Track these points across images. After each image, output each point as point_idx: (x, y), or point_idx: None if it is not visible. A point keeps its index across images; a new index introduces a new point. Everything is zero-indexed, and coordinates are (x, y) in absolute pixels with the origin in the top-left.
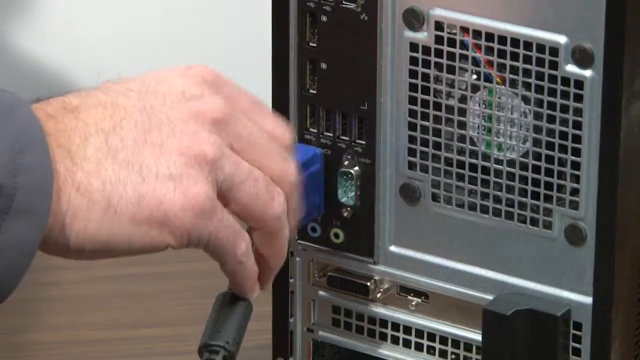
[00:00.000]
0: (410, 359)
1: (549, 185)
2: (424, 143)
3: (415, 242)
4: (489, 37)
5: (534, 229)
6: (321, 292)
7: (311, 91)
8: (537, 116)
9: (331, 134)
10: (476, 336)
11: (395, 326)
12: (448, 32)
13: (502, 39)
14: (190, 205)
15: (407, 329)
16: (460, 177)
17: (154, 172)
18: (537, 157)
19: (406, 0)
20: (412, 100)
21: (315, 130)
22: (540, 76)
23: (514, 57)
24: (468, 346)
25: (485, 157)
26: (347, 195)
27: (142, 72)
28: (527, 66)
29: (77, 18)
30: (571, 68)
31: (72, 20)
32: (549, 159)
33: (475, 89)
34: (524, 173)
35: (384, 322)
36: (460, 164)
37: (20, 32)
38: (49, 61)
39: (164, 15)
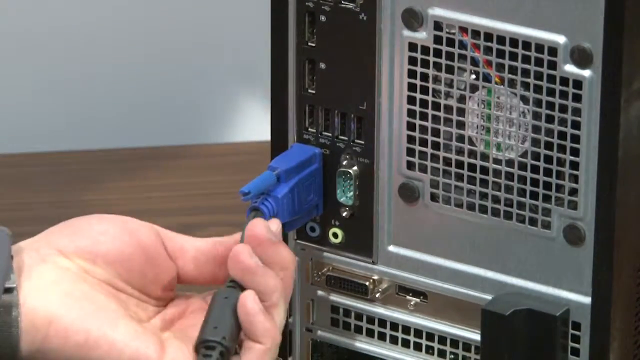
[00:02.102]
0: (409, 359)
1: (547, 185)
2: (423, 143)
3: (414, 241)
4: (488, 37)
5: (532, 229)
6: (320, 292)
7: (310, 91)
8: (536, 116)
9: (330, 134)
10: (475, 336)
11: (394, 326)
12: (447, 32)
13: (501, 39)
14: None
15: (406, 329)
16: (459, 177)
17: None
18: (536, 157)
19: (405, 0)
20: (411, 100)
21: (314, 130)
22: (539, 76)
23: (513, 57)
24: (467, 346)
25: (484, 156)
26: (345, 195)
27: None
28: (526, 66)
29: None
30: (570, 68)
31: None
32: (548, 159)
33: (474, 88)
34: (522, 173)
35: (382, 322)
36: (459, 164)
37: None
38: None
39: (162, 15)
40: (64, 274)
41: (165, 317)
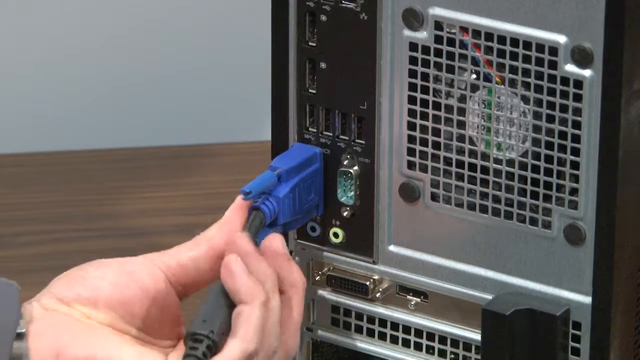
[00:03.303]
0: (409, 359)
1: (548, 185)
2: (424, 142)
3: (415, 241)
4: (489, 36)
5: (533, 229)
6: (320, 292)
7: (310, 91)
8: (537, 116)
9: (330, 134)
10: (475, 336)
11: (395, 326)
12: (447, 32)
13: (502, 39)
14: None
15: (407, 329)
16: (460, 177)
17: None
18: (537, 156)
19: (405, 0)
20: (412, 100)
21: (315, 130)
22: (539, 76)
23: (514, 56)
24: (467, 346)
25: (485, 156)
26: (346, 195)
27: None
28: (527, 66)
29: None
30: (570, 68)
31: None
32: (548, 159)
33: (474, 88)
34: (523, 172)
35: (383, 322)
36: (460, 164)
37: None
38: None
39: (162, 14)
40: (66, 318)
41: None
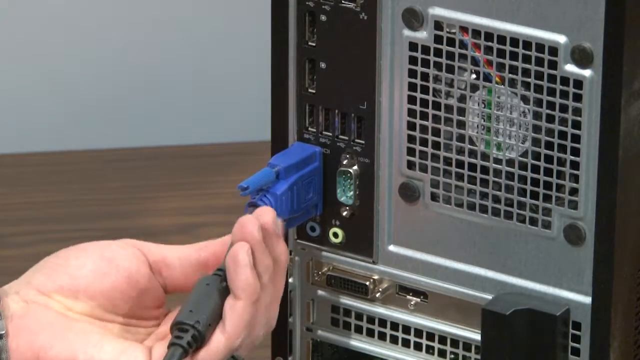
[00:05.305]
0: (409, 359)
1: (548, 185)
2: (423, 142)
3: (414, 241)
4: (488, 36)
5: (533, 229)
6: (320, 292)
7: (310, 90)
8: (537, 116)
9: (330, 134)
10: (475, 336)
11: (394, 326)
12: (447, 32)
13: (502, 39)
14: None
15: (406, 329)
16: (460, 177)
17: None
18: (536, 156)
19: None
20: (412, 100)
21: (314, 130)
22: (539, 76)
23: (513, 56)
24: (467, 346)
25: (485, 156)
26: (346, 195)
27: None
28: (527, 66)
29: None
30: (570, 68)
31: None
32: (548, 159)
33: (474, 88)
34: (523, 172)
35: (383, 322)
36: (460, 164)
37: None
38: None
39: (163, 14)
40: (46, 312)
41: (158, 337)
